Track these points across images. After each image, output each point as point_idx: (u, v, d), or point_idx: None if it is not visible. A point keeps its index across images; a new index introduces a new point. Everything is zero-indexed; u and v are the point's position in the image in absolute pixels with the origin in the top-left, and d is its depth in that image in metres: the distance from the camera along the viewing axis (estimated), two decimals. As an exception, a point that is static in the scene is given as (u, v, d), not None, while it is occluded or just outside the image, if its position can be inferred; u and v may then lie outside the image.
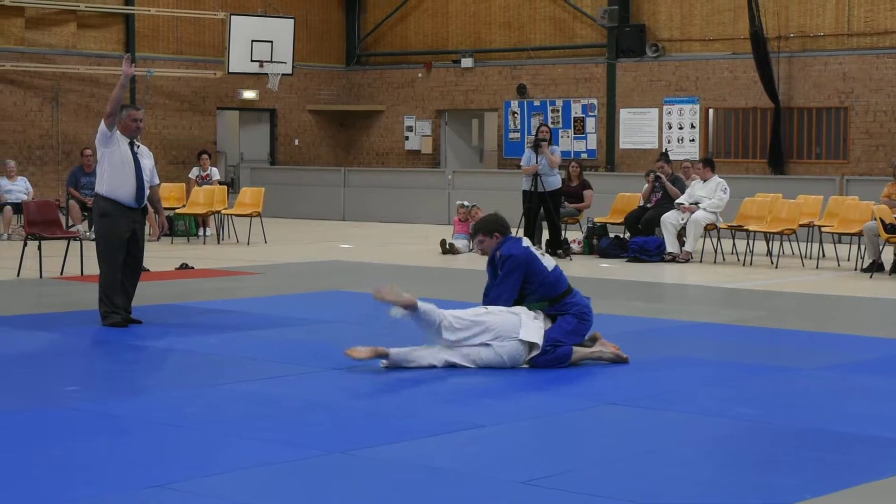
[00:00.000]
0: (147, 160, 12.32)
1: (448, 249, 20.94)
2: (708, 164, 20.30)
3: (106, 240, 12.09)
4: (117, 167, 12.00)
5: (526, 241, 10.69)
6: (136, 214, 12.20)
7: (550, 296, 10.35)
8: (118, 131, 12.05)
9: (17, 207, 22.45)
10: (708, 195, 19.74)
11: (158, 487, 6.63)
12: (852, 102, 27.32)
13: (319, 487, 6.73)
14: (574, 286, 10.55)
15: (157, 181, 12.57)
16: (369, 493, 6.63)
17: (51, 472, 6.97)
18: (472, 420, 8.36)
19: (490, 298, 10.48)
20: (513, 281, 10.36)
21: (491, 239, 10.59)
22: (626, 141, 30.15)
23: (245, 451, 7.49)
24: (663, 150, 26.57)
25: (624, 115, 30.13)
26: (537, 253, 10.51)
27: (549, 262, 10.51)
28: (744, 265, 18.94)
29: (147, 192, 12.24)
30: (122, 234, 12.01)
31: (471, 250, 21.00)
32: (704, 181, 19.94)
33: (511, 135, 31.87)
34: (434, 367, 9.89)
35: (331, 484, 6.79)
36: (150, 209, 12.79)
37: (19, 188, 24.01)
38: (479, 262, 19.68)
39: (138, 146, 12.28)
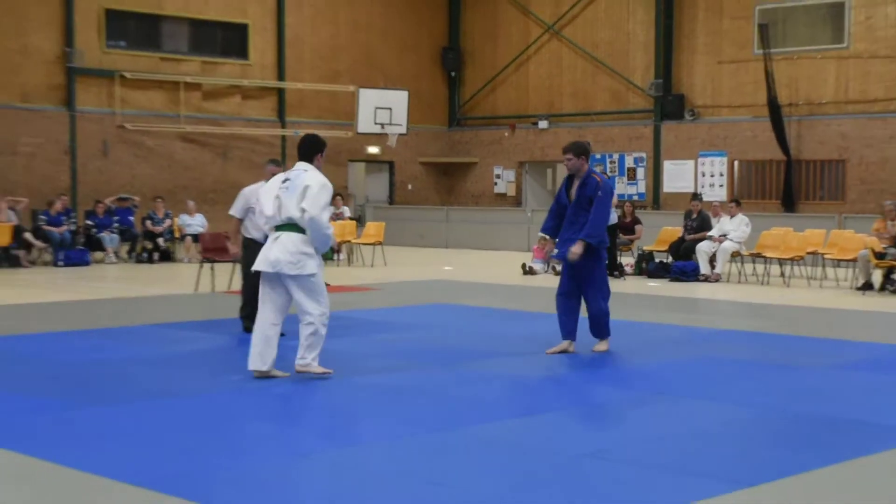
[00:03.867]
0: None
1: (527, 271, 20.90)
2: (737, 204, 20.30)
3: (243, 267, 12.43)
4: (255, 219, 12.23)
5: None
6: None
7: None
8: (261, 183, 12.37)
9: (195, 238, 22.77)
10: (734, 228, 19.71)
11: (301, 456, 6.68)
12: (849, 156, 26.88)
13: (427, 457, 6.72)
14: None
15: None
16: (467, 462, 6.62)
17: (221, 444, 7.05)
18: (547, 405, 8.33)
19: (591, 221, 10.05)
20: (609, 206, 10.27)
21: (578, 160, 10.23)
22: (668, 185, 29.89)
23: (369, 428, 7.54)
24: (695, 192, 26.18)
25: (667, 165, 29.89)
26: None
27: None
28: (762, 285, 18.72)
29: None
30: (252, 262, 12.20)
31: (545, 272, 20.95)
32: (732, 217, 19.89)
33: (577, 181, 31.66)
34: None
35: (436, 455, 6.78)
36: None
37: (197, 223, 24.37)
38: (552, 281, 19.70)
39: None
